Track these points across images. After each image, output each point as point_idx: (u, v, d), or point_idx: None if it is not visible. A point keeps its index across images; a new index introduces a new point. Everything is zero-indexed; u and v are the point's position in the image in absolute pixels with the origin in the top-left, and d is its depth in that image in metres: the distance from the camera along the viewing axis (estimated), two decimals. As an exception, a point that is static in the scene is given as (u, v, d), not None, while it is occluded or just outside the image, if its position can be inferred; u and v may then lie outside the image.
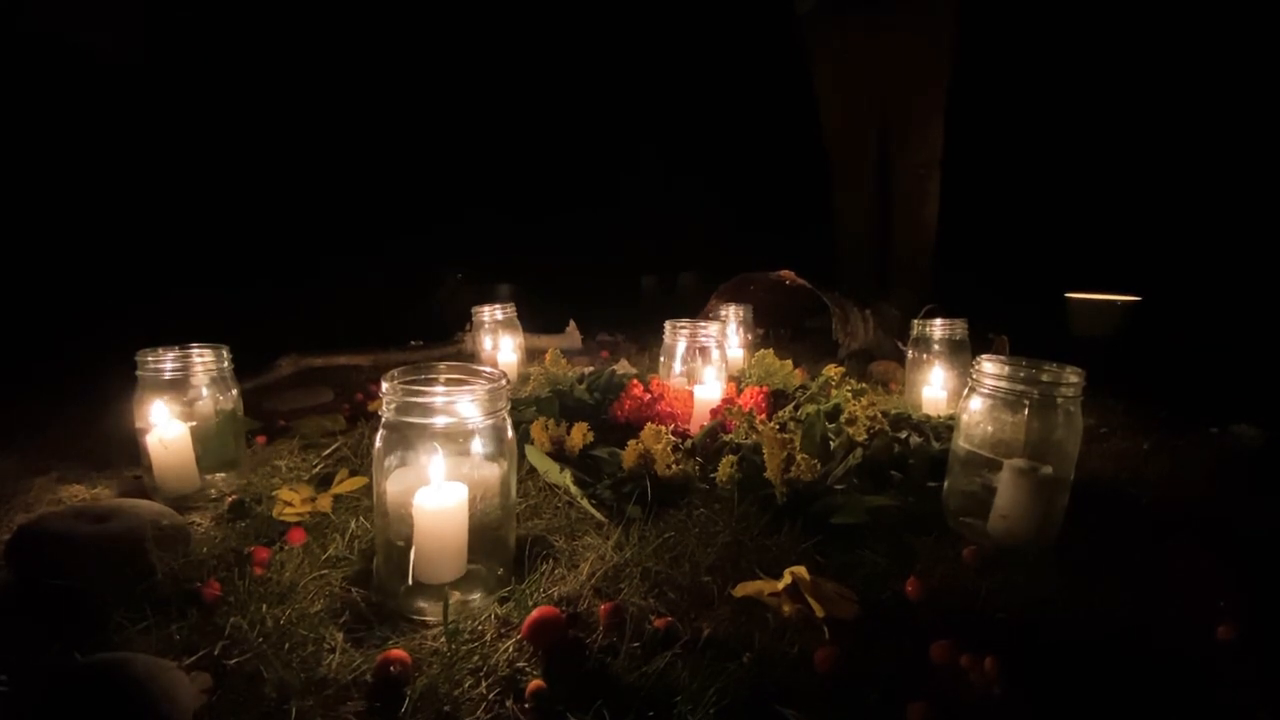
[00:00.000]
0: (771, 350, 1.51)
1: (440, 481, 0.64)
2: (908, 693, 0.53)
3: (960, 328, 1.36)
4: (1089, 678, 0.57)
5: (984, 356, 0.84)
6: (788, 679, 0.55)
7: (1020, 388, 0.79)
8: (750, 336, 1.79)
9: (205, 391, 0.95)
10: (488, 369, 0.69)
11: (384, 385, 0.64)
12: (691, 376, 1.27)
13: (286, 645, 0.58)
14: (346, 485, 0.88)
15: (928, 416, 1.24)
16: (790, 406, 1.19)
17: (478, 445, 0.66)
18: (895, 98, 2.20)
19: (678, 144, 3.95)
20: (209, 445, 0.94)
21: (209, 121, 3.12)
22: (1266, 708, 0.54)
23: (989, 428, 0.82)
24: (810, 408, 1.13)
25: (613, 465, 0.98)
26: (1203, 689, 0.57)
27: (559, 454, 1.02)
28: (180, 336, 0.97)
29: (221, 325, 1.11)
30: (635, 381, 1.24)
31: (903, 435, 1.11)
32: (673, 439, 0.96)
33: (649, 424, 0.98)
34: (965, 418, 0.85)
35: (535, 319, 1.91)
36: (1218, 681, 0.57)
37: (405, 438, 0.64)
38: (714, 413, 1.12)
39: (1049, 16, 3.07)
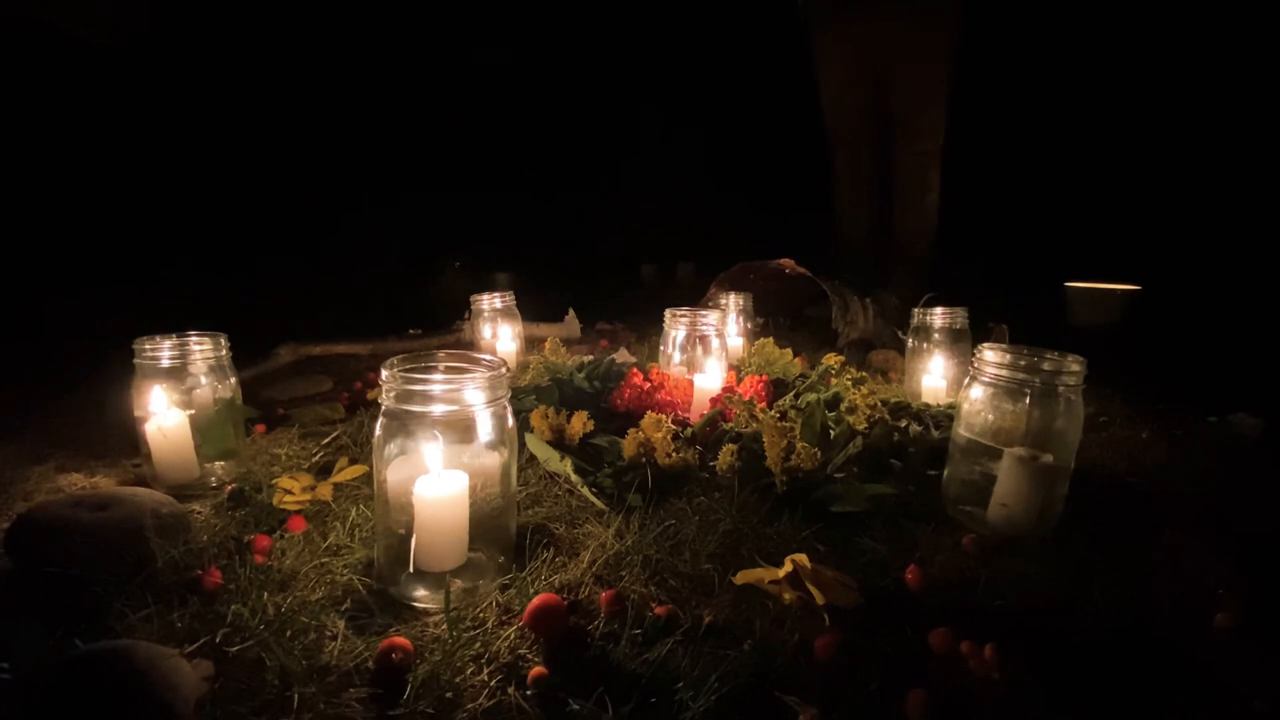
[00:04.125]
0: (771, 339, 1.50)
1: (440, 470, 0.64)
2: (907, 680, 0.53)
3: (960, 316, 1.35)
4: (1088, 665, 0.58)
5: (985, 345, 0.84)
6: (788, 666, 0.56)
7: (1022, 376, 0.79)
8: (750, 325, 1.79)
9: (204, 380, 0.95)
10: (487, 357, 0.68)
11: (384, 373, 0.63)
12: (691, 365, 1.27)
13: (288, 633, 0.58)
14: (346, 474, 0.88)
15: (927, 405, 1.24)
16: (790, 395, 1.19)
17: (478, 433, 0.65)
18: (898, 86, 2.18)
19: (678, 131, 3.92)
20: (208, 434, 0.94)
21: (208, 110, 3.09)
22: (1263, 695, 0.54)
23: (989, 416, 0.82)
24: (810, 396, 1.13)
25: (613, 454, 0.98)
26: (1200, 676, 0.57)
27: (559, 442, 1.02)
28: (178, 324, 0.97)
29: (220, 313, 1.11)
30: (635, 370, 1.24)
31: (902, 424, 1.11)
32: (673, 428, 0.96)
33: (649, 413, 0.98)
34: (966, 406, 0.85)
35: (534, 307, 1.91)
36: (1215, 669, 0.58)
37: (405, 426, 0.64)
38: (714, 401, 1.12)
39: (1049, 7, 3.05)
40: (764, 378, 1.24)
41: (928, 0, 2.07)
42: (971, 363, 0.85)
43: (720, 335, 1.27)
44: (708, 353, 1.25)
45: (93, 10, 2.56)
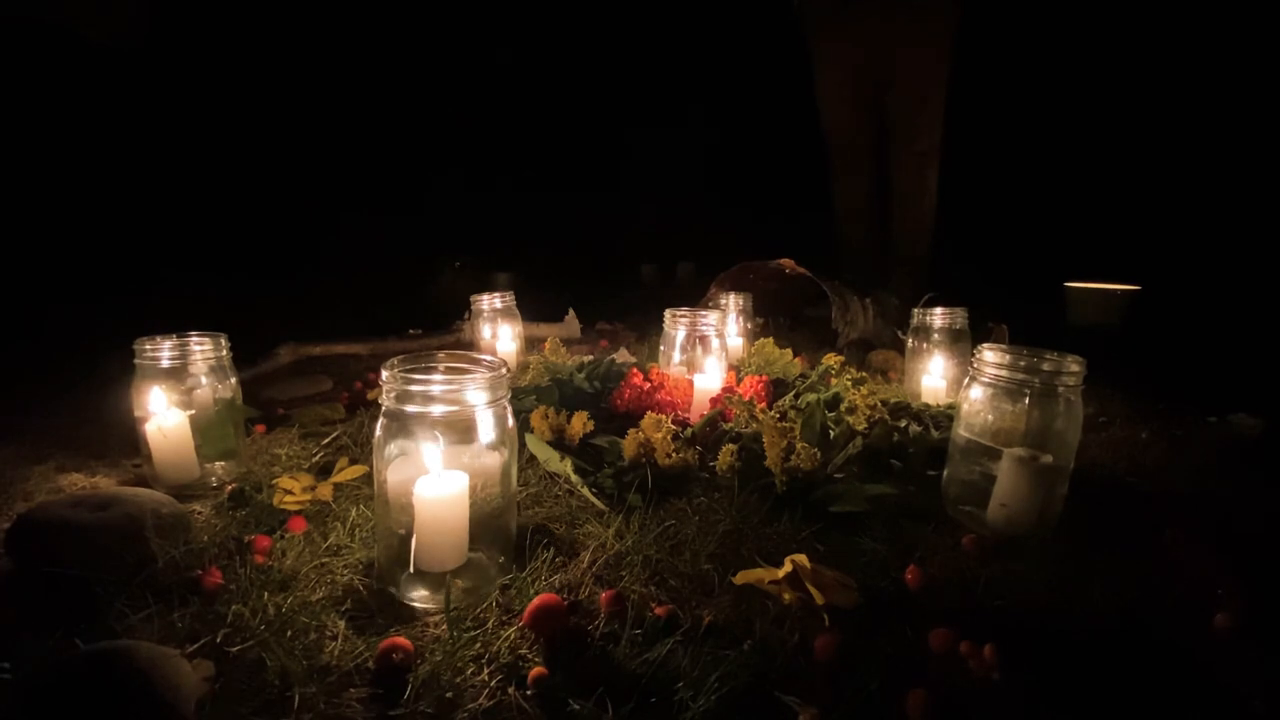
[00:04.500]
0: (771, 339, 1.50)
1: (441, 470, 0.64)
2: (907, 680, 0.53)
3: (960, 316, 1.36)
4: (1087, 665, 0.58)
5: (985, 345, 0.84)
6: (788, 666, 0.56)
7: (1022, 377, 0.79)
8: (750, 325, 1.79)
9: (204, 380, 0.95)
10: (487, 357, 0.68)
11: (384, 373, 0.63)
12: (691, 365, 1.27)
13: (288, 633, 0.58)
14: (347, 474, 0.88)
15: (927, 405, 1.24)
16: (790, 395, 1.19)
17: (478, 433, 0.65)
18: (895, 86, 2.18)
19: (678, 131, 3.92)
20: (208, 434, 0.94)
21: (208, 109, 3.09)
22: (1262, 695, 0.55)
23: (989, 416, 0.82)
24: (810, 396, 1.13)
25: (613, 454, 0.98)
26: (1200, 676, 0.57)
27: (559, 442, 1.02)
28: (178, 325, 0.97)
29: (220, 313, 1.11)
30: (635, 370, 1.24)
31: (902, 424, 1.11)
32: (673, 428, 0.96)
33: (649, 413, 0.98)
34: (965, 406, 0.85)
35: (534, 307, 1.91)
36: (1215, 669, 0.58)
37: (406, 426, 0.64)
38: (714, 402, 1.12)
39: (1047, 6, 3.05)
40: (764, 378, 1.24)
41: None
42: (971, 363, 0.85)
43: (720, 335, 1.27)
44: (707, 353, 1.25)
45: (94, 10, 2.56)
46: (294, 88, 3.33)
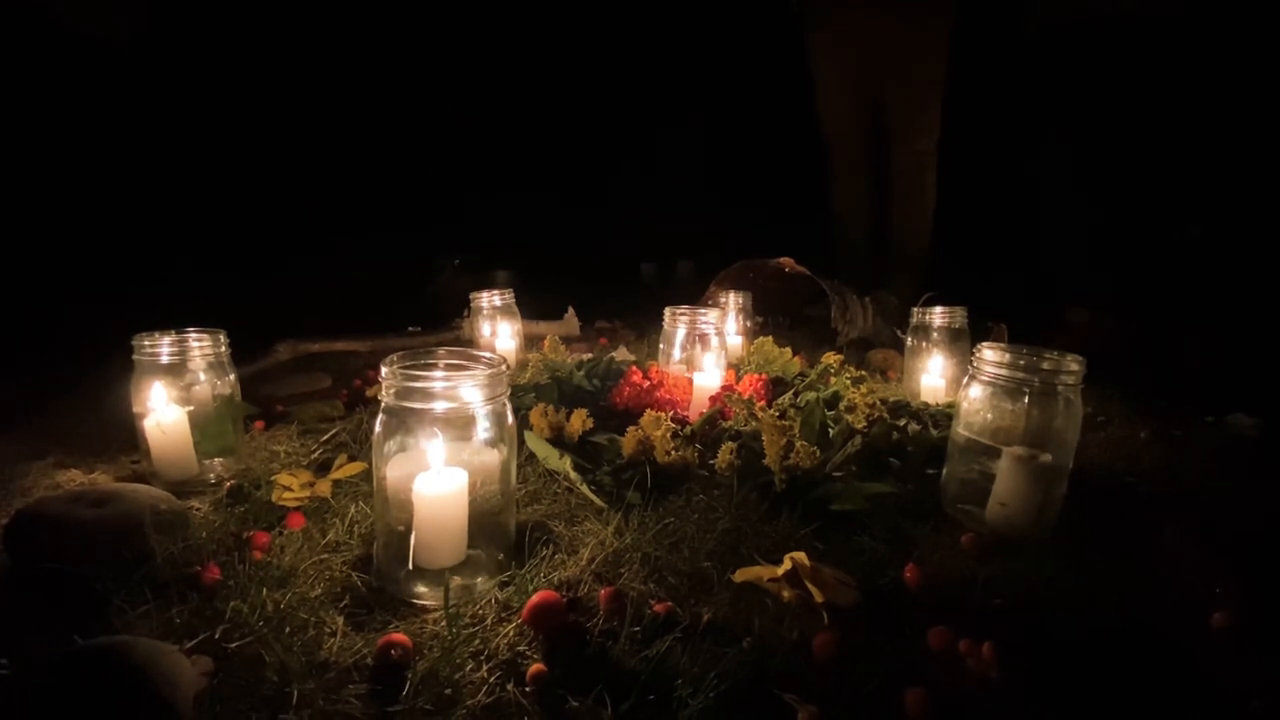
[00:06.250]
0: (770, 338, 1.50)
1: (440, 467, 0.64)
2: (905, 678, 0.53)
3: (959, 316, 1.36)
4: (1085, 664, 0.58)
5: (984, 344, 0.84)
6: (787, 664, 0.56)
7: (1021, 376, 0.79)
8: (749, 324, 1.79)
9: (203, 376, 0.95)
10: (487, 354, 0.68)
11: (384, 370, 0.63)
12: (691, 364, 1.27)
13: (287, 629, 0.58)
14: (345, 470, 0.88)
15: (926, 404, 1.25)
16: (789, 394, 1.19)
17: (478, 431, 0.65)
18: (892, 85, 2.18)
19: (678, 130, 3.92)
20: (207, 430, 0.94)
21: (208, 106, 3.09)
22: (1259, 694, 0.55)
23: (988, 415, 0.82)
24: (809, 395, 1.14)
25: (612, 452, 0.98)
26: (1197, 675, 0.57)
27: (558, 440, 1.02)
28: (177, 321, 0.97)
29: (219, 310, 1.11)
30: (634, 368, 1.24)
31: (901, 423, 1.11)
32: (672, 426, 0.96)
33: (648, 411, 0.98)
34: (965, 405, 0.85)
35: (533, 305, 1.91)
36: (1212, 668, 0.58)
37: (405, 423, 0.64)
38: (713, 400, 1.12)
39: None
40: (763, 376, 1.24)
41: None
42: (970, 362, 0.85)
43: (719, 334, 1.27)
44: (707, 351, 1.25)
45: (97, 7, 2.55)
46: (295, 85, 3.32)
